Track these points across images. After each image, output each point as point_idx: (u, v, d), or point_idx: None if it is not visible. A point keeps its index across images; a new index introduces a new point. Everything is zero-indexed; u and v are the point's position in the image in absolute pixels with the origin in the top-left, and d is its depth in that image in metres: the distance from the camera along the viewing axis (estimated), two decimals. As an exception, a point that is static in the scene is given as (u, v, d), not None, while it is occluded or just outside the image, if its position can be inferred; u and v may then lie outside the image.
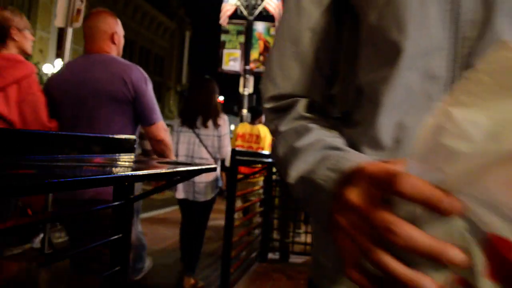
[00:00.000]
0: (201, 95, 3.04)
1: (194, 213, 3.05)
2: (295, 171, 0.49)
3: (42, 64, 15.69)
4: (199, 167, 1.24)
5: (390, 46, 0.49)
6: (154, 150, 2.01)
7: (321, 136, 0.51)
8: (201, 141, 3.02)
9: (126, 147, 1.21)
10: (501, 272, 0.28)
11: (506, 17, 0.45)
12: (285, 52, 0.58)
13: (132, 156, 1.21)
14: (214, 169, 1.10)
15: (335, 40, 0.58)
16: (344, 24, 0.58)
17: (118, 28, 1.96)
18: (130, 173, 0.88)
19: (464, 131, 0.27)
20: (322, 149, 0.48)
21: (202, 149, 3.02)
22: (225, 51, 14.09)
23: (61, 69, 1.95)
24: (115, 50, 1.92)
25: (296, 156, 0.50)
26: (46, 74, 14.47)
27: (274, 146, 0.57)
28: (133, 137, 1.24)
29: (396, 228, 0.30)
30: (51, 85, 1.84)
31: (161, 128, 1.91)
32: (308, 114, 0.56)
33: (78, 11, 3.37)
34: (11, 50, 1.75)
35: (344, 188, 0.38)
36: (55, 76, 1.90)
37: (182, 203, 3.08)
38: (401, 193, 0.30)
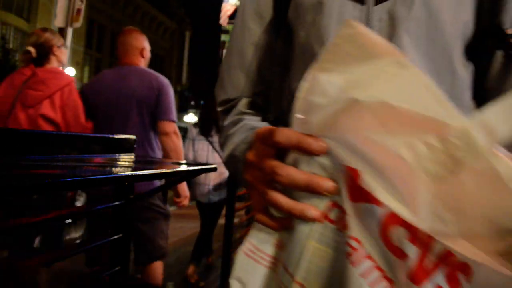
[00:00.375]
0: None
1: (210, 213, 3.38)
2: (226, 152, 0.61)
3: (42, 64, 15.68)
4: (199, 167, 1.24)
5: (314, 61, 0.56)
6: (163, 148, 2.18)
7: (247, 121, 0.62)
8: (214, 148, 3.27)
9: (126, 147, 1.21)
10: (355, 193, 0.36)
11: (405, 32, 0.56)
12: (232, 64, 0.70)
13: (132, 156, 1.21)
14: (214, 169, 1.11)
15: (274, 52, 0.68)
16: (281, 37, 0.67)
17: (146, 44, 2.31)
18: (130, 173, 0.88)
19: (324, 89, 0.36)
20: (245, 131, 0.59)
21: (215, 155, 3.28)
22: (225, 51, 14.06)
23: (97, 77, 2.33)
24: (143, 63, 2.29)
25: (228, 140, 0.62)
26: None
27: (219, 139, 0.68)
28: (133, 137, 1.24)
29: (280, 170, 0.40)
30: (88, 91, 2.20)
31: (173, 127, 2.15)
32: (247, 110, 0.68)
33: (78, 11, 3.37)
34: (53, 64, 2.09)
35: (248, 152, 0.48)
36: (91, 82, 2.35)
37: (200, 205, 3.36)
38: (278, 143, 0.40)
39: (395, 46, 0.38)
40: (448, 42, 0.57)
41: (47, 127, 1.93)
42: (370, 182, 0.35)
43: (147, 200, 2.09)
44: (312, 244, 0.39)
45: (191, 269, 3.34)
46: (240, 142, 0.57)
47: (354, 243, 0.36)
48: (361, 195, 0.35)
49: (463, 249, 0.30)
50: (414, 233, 0.32)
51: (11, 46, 17.28)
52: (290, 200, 0.40)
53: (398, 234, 0.33)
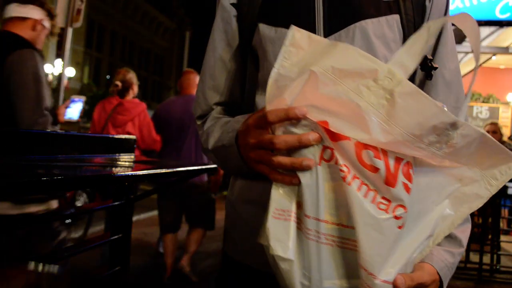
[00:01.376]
0: None
1: None
2: (211, 145, 0.75)
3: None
4: (199, 167, 1.24)
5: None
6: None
7: (220, 119, 0.78)
8: None
9: (126, 147, 1.21)
10: (332, 136, 0.50)
11: None
12: (206, 86, 0.82)
13: (132, 156, 1.21)
14: (214, 169, 1.11)
15: (243, 73, 0.81)
16: (250, 61, 0.79)
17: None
18: (130, 173, 0.88)
19: (288, 76, 0.51)
20: (221, 126, 0.74)
21: None
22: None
23: (168, 101, 3.45)
24: None
25: (209, 136, 0.77)
26: (46, 74, 14.42)
27: (205, 147, 0.79)
28: (133, 137, 1.24)
29: (276, 139, 0.54)
30: (160, 112, 3.32)
31: None
32: (220, 115, 0.80)
33: (78, 11, 3.37)
34: (130, 96, 3.15)
35: (243, 138, 0.63)
36: (162, 106, 3.39)
37: None
38: (271, 122, 0.54)
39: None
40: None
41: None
42: (336, 126, 0.49)
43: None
44: (324, 184, 0.52)
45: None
46: (223, 135, 0.71)
47: (344, 168, 0.50)
48: (335, 136, 0.50)
49: (405, 149, 0.48)
50: (376, 151, 0.48)
51: (11, 46, 17.26)
52: (291, 158, 0.54)
53: (367, 155, 0.48)
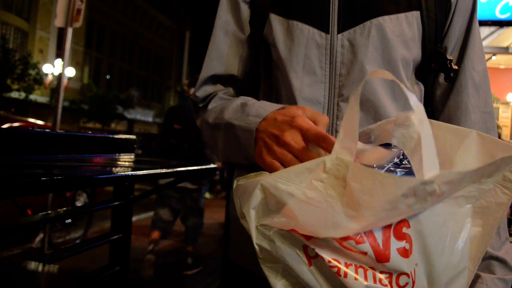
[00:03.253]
0: None
1: None
2: (212, 119, 0.70)
3: (42, 64, 15.65)
4: (199, 167, 1.24)
5: (286, 80, 0.70)
6: None
7: (232, 99, 0.71)
8: None
9: (126, 147, 1.21)
10: (308, 238, 0.46)
11: (364, 57, 0.65)
12: (212, 69, 0.76)
13: (132, 156, 1.21)
14: (214, 169, 1.11)
15: (253, 60, 0.78)
16: (261, 51, 0.76)
17: None
18: (130, 173, 0.88)
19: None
20: (236, 105, 0.67)
21: None
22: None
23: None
24: None
25: (215, 112, 0.71)
26: (46, 74, 14.44)
27: (203, 120, 0.75)
28: (133, 137, 1.24)
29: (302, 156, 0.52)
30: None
31: None
32: (227, 96, 0.76)
33: (78, 11, 3.37)
34: None
35: (267, 125, 0.58)
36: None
37: None
38: (309, 138, 0.52)
39: (357, 70, 0.62)
40: (398, 65, 0.67)
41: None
42: (306, 230, 0.45)
43: None
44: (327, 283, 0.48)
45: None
46: (243, 114, 0.64)
47: (333, 263, 0.45)
48: (310, 236, 0.47)
49: (385, 222, 0.45)
50: (355, 237, 0.45)
51: (11, 46, 17.28)
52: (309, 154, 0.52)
53: (349, 244, 0.45)
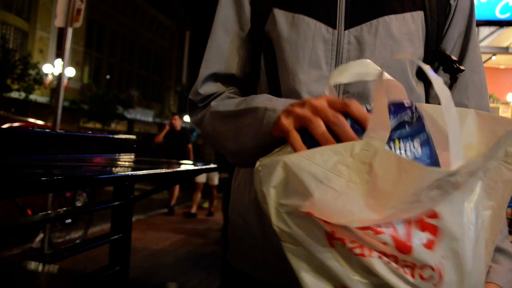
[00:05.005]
0: None
1: None
2: (223, 109, 0.68)
3: (42, 64, 15.64)
4: (199, 167, 1.24)
5: (291, 74, 0.68)
6: None
7: (238, 98, 0.70)
8: None
9: (126, 147, 1.21)
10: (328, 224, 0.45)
11: (371, 54, 0.65)
12: (212, 68, 0.75)
13: (132, 156, 1.21)
14: (214, 169, 1.11)
15: (253, 58, 0.76)
16: (263, 48, 0.74)
17: None
18: (130, 173, 0.88)
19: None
20: (245, 99, 0.66)
21: None
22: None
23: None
24: None
25: (223, 104, 0.69)
26: (46, 74, 14.44)
27: (208, 112, 0.72)
28: (133, 137, 1.24)
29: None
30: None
31: None
32: (235, 96, 0.74)
33: (78, 11, 3.37)
34: None
35: (292, 110, 0.53)
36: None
37: None
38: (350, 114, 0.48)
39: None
40: (406, 63, 0.67)
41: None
42: (323, 215, 0.44)
43: None
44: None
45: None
46: (257, 101, 0.62)
47: (357, 250, 0.44)
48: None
49: (405, 216, 0.43)
50: (374, 228, 0.43)
51: (11, 46, 17.27)
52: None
53: (369, 234, 0.43)
